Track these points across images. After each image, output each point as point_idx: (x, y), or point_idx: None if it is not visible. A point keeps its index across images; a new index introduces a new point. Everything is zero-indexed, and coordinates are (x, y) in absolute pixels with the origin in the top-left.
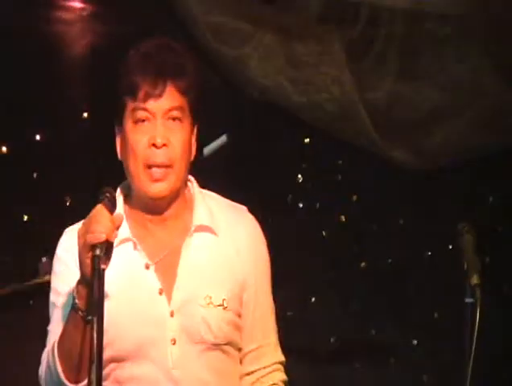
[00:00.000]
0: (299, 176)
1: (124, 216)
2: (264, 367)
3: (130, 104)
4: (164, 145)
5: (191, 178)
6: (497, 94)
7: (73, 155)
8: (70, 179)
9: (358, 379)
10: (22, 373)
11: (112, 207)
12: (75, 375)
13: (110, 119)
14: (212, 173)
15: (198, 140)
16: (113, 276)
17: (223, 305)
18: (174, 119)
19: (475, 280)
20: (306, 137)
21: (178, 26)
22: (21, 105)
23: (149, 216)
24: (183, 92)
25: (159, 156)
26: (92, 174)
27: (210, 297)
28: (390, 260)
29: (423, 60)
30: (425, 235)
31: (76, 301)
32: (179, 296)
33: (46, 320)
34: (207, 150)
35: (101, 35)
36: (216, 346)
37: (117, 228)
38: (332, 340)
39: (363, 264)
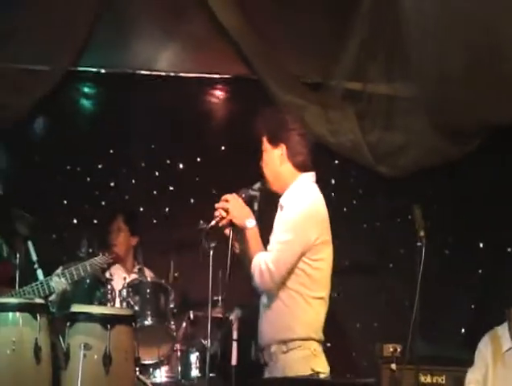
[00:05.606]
0: (332, 181)
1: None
2: None
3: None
4: None
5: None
6: (434, 141)
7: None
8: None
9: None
10: None
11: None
12: None
13: (238, 152)
14: None
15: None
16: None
17: None
18: None
19: (422, 233)
20: (335, 160)
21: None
22: (179, 148)
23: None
24: None
25: None
26: (226, 185)
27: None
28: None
29: (394, 121)
30: (390, 211)
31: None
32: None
33: None
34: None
35: (232, 108)
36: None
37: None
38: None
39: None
